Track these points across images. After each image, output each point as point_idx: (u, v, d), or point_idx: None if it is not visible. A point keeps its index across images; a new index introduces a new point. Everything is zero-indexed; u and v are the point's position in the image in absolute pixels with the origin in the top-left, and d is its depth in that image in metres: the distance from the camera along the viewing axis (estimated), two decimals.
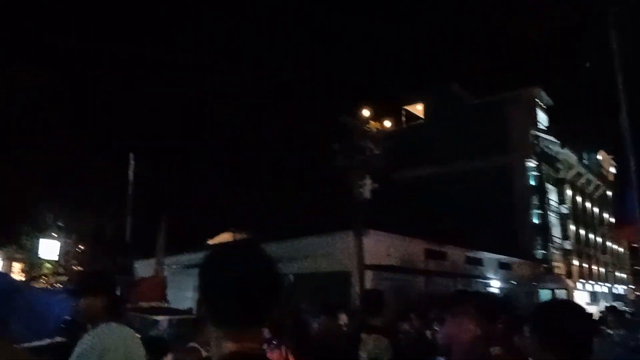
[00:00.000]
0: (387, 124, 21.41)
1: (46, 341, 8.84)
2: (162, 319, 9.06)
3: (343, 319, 5.93)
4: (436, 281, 22.95)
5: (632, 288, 53.82)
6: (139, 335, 2.95)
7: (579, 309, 1.97)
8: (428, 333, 7.78)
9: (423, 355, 7.40)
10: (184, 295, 25.65)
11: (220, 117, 63.77)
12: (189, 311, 12.10)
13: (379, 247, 21.87)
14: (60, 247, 34.37)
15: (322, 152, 20.70)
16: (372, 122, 20.73)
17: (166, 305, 10.50)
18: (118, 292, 2.93)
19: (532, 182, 41.12)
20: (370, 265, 20.47)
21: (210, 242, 35.24)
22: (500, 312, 3.74)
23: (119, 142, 45.44)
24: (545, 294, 31.81)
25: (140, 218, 20.85)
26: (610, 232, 53.59)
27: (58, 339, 8.66)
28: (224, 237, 37.03)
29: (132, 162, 20.58)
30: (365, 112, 20.59)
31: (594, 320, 1.89)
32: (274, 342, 4.27)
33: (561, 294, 33.15)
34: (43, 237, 34.11)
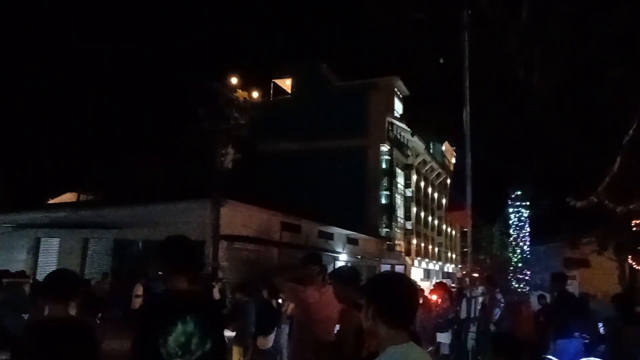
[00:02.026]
0: (255, 94, 21.23)
1: None
2: None
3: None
4: (289, 253, 23.60)
5: (460, 267, 60.55)
6: None
7: (407, 280, 2.18)
8: (274, 303, 8.00)
9: (271, 323, 7.65)
10: (15, 257, 23.38)
11: (79, 62, 57.99)
12: (21, 274, 11.04)
13: (236, 217, 21.84)
14: None
15: (185, 116, 19.92)
16: (239, 91, 20.42)
17: None
18: None
19: (384, 165, 43.95)
20: (225, 235, 20.39)
21: (52, 201, 32.29)
22: (353, 279, 4.20)
23: None
24: (385, 269, 34.47)
25: None
26: (445, 216, 59.56)
27: None
28: (67, 196, 34.12)
29: None
30: (234, 80, 20.20)
31: (417, 292, 2.13)
32: None
33: (400, 269, 36.14)
34: None
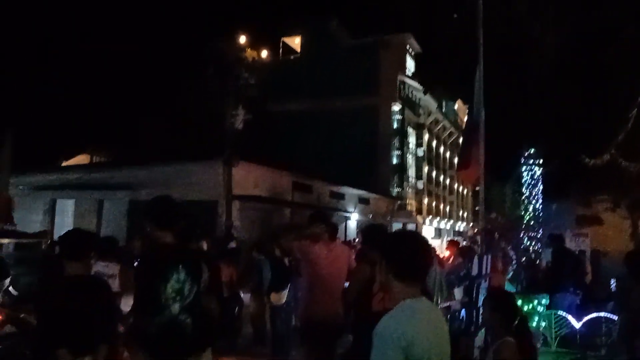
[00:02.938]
0: (264, 54, 20.96)
1: None
2: (6, 242, 8.34)
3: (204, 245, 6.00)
4: (301, 213, 23.81)
5: (471, 225, 60.74)
6: None
7: (420, 237, 2.20)
8: (286, 260, 8.12)
9: (284, 280, 7.81)
10: (32, 218, 23.84)
11: (83, 26, 57.50)
12: (38, 234, 11.29)
13: (248, 177, 21.96)
14: None
15: (195, 76, 19.76)
16: (248, 50, 20.16)
17: (12, 227, 9.66)
18: None
19: (395, 125, 43.58)
20: (238, 195, 20.56)
21: (66, 163, 32.66)
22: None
23: None
24: (397, 227, 34.70)
25: None
26: (457, 175, 59.36)
27: None
28: (80, 158, 34.48)
29: None
30: (242, 39, 19.92)
31: (429, 248, 2.18)
32: None
33: (411, 228, 36.35)
34: None
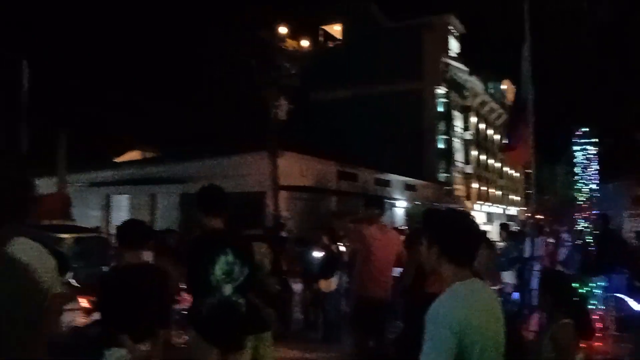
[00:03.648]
0: (304, 43, 20.96)
1: None
2: (66, 236, 8.75)
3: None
4: (347, 201, 23.83)
5: (523, 209, 59.12)
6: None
7: (465, 216, 2.16)
8: (334, 248, 8.19)
9: (332, 267, 7.88)
10: (90, 213, 24.88)
11: (128, 26, 59.15)
12: (95, 229, 11.77)
13: (293, 168, 22.14)
14: None
15: (238, 69, 19.97)
16: (289, 41, 20.21)
17: (70, 223, 10.12)
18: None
19: (440, 109, 42.79)
20: (284, 186, 20.77)
21: (118, 159, 33.85)
22: None
23: (10, 46, 40.98)
24: None
25: (38, 132, 19.40)
26: (505, 157, 57.71)
27: None
28: (132, 154, 35.64)
29: (25, 68, 18.89)
30: (283, 29, 19.98)
31: (479, 229, 2.13)
32: None
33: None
34: None
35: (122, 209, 25.52)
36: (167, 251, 4.89)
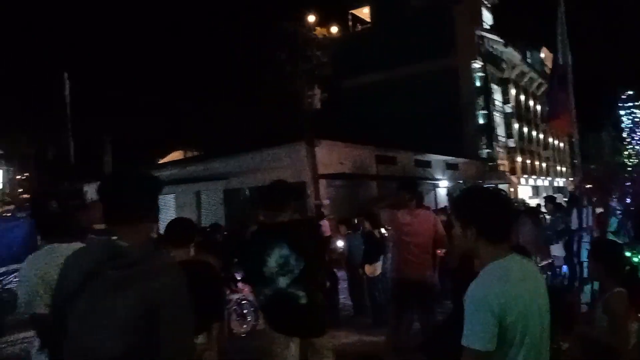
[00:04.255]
0: (334, 29, 20.86)
1: (1, 269, 8.79)
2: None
3: None
4: (387, 185, 23.69)
5: (571, 180, 57.33)
6: None
7: (496, 192, 2.12)
8: (377, 233, 8.18)
9: (376, 251, 7.89)
10: None
11: (161, 32, 60.29)
12: None
13: (331, 156, 22.16)
14: (3, 175, 33.14)
15: (268, 62, 20.09)
16: (318, 29, 20.16)
17: None
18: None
19: (478, 83, 41.79)
20: (323, 174, 20.85)
21: (162, 161, 34.71)
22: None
23: (53, 61, 42.62)
24: None
25: (84, 139, 20.17)
26: (549, 127, 55.90)
27: (13, 266, 8.62)
28: (175, 155, 36.49)
29: (66, 80, 19.67)
30: (311, 18, 19.94)
31: (511, 204, 2.07)
32: None
33: (504, 189, 34.95)
34: None
35: (168, 208, 26.20)
36: (209, 245, 5.01)
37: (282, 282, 3.30)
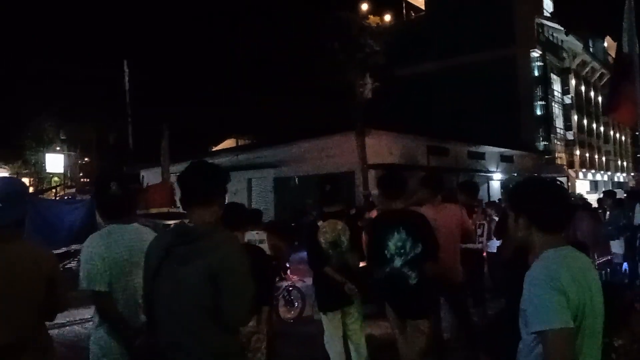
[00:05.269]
0: (387, 17, 20.63)
1: (62, 249, 9.25)
2: (171, 223, 9.39)
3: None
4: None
5: (632, 175, 54.62)
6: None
7: (550, 183, 2.08)
8: None
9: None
10: None
11: (217, 22, 61.46)
12: None
13: (382, 146, 22.02)
14: (65, 160, 34.89)
15: (321, 51, 20.12)
16: (371, 17, 19.98)
17: (176, 210, 10.83)
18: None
19: (536, 73, 40.32)
20: (373, 164, 20.76)
21: (215, 148, 35.56)
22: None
23: (114, 50, 44.27)
24: None
25: (142, 127, 20.91)
26: (611, 119, 53.39)
27: (74, 246, 9.07)
28: (227, 142, 37.27)
29: (126, 69, 20.42)
30: (364, 6, 19.79)
31: (566, 194, 2.03)
32: None
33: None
34: (48, 152, 34.53)
35: None
36: (278, 230, 5.13)
37: (397, 262, 3.74)
